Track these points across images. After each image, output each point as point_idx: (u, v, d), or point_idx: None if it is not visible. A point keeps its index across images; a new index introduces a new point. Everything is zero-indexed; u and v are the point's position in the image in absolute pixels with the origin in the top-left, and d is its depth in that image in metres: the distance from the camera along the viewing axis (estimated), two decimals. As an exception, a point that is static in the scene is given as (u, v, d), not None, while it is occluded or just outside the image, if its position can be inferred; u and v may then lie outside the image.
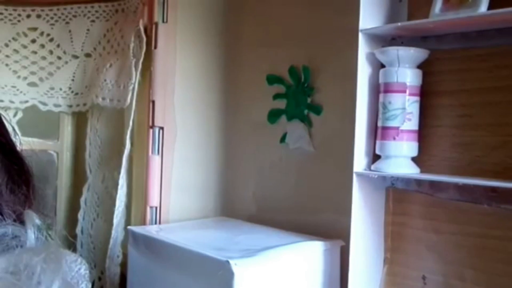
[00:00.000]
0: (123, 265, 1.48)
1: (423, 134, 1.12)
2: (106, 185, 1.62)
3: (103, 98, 1.57)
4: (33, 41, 1.67)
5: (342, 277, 1.20)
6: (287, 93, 1.40)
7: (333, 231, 1.24)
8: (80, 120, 1.73)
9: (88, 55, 1.66)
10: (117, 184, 1.50)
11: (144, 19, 1.50)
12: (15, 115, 1.66)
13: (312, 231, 1.28)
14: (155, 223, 1.50)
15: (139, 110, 1.51)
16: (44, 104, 1.67)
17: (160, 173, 1.51)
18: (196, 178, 1.59)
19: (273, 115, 1.43)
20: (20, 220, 0.87)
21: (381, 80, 1.11)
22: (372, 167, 1.12)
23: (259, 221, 1.42)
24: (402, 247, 1.18)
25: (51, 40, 1.67)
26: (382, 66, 1.12)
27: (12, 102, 1.65)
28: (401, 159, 1.10)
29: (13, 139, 0.98)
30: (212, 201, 1.59)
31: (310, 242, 1.20)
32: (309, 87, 1.35)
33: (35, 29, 1.67)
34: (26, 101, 1.66)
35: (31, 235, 0.84)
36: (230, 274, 1.04)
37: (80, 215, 1.66)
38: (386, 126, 1.09)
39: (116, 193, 1.50)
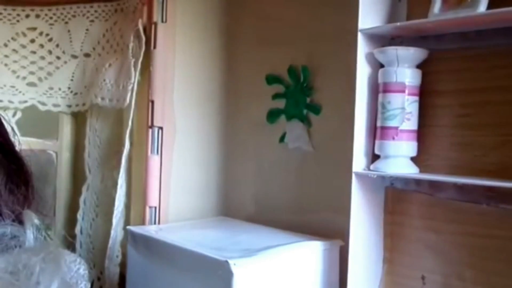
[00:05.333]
0: (122, 265, 1.48)
1: (422, 133, 1.12)
2: (105, 185, 1.62)
3: (102, 98, 1.57)
4: (32, 41, 1.67)
5: (342, 277, 1.20)
6: (286, 93, 1.40)
7: (332, 231, 1.24)
8: (79, 120, 1.73)
9: (87, 55, 1.66)
10: (116, 184, 1.50)
11: (143, 19, 1.50)
12: (14, 115, 1.66)
13: (311, 231, 1.28)
14: (155, 223, 1.50)
15: (138, 110, 1.51)
16: (43, 104, 1.67)
17: (160, 173, 1.51)
18: (195, 178, 1.59)
19: (272, 115, 1.43)
20: (19, 220, 0.87)
21: (380, 80, 1.11)
22: (371, 167, 1.12)
23: (258, 221, 1.42)
24: (401, 246, 1.18)
25: (50, 40, 1.67)
26: (381, 66, 1.12)
27: (11, 102, 1.65)
28: (400, 159, 1.10)
29: (12, 139, 0.98)
30: (211, 201, 1.59)
31: (309, 242, 1.20)
32: (308, 87, 1.35)
33: (34, 29, 1.67)
34: (25, 101, 1.66)
35: (30, 235, 0.84)
36: (229, 274, 1.04)
37: (79, 215, 1.65)
38: (385, 126, 1.09)
39: (116, 193, 1.50)
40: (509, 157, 1.02)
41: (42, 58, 1.67)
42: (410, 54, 1.08)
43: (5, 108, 1.63)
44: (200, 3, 1.57)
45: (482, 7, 0.96)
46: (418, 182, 1.13)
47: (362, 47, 1.11)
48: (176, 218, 1.53)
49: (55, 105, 1.67)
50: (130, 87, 1.48)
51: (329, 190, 1.31)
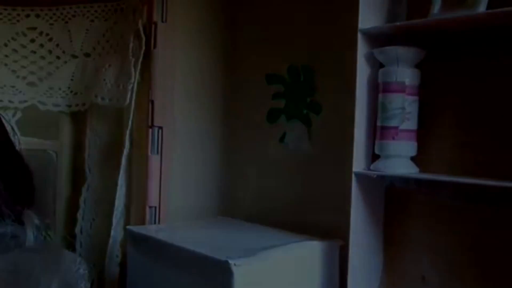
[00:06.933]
0: (122, 264, 1.48)
1: (422, 133, 1.12)
2: (105, 185, 1.62)
3: (102, 98, 1.57)
4: (32, 40, 1.67)
5: (342, 276, 1.20)
6: (286, 93, 1.40)
7: (332, 230, 1.24)
8: (79, 119, 1.73)
9: (87, 54, 1.66)
10: (116, 184, 1.50)
11: (143, 19, 1.50)
12: (14, 115, 1.65)
13: (311, 230, 1.28)
14: (154, 223, 1.50)
15: (138, 110, 1.51)
16: (43, 103, 1.67)
17: (160, 173, 1.51)
18: (196, 178, 1.59)
19: (272, 115, 1.43)
20: (19, 220, 0.87)
21: (380, 80, 1.11)
22: (371, 167, 1.12)
23: (258, 221, 1.42)
24: (401, 246, 1.18)
25: (50, 39, 1.67)
26: (381, 66, 1.12)
27: (11, 102, 1.65)
28: (400, 158, 1.10)
29: (12, 139, 0.98)
30: (211, 201, 1.59)
31: (309, 242, 1.20)
32: (308, 86, 1.35)
33: (34, 28, 1.67)
34: (25, 101, 1.66)
35: (30, 235, 0.85)
36: (229, 274, 1.04)
37: (79, 215, 1.65)
38: (385, 126, 1.09)
39: (115, 193, 1.50)
40: (509, 157, 1.03)
41: (42, 57, 1.67)
42: (410, 54, 1.08)
43: (5, 108, 1.63)
44: (200, 3, 1.57)
45: (481, 7, 0.96)
46: (418, 182, 1.13)
47: (362, 47, 1.11)
48: (176, 218, 1.53)
49: (55, 105, 1.67)
50: (130, 87, 1.49)
51: (329, 190, 1.31)
